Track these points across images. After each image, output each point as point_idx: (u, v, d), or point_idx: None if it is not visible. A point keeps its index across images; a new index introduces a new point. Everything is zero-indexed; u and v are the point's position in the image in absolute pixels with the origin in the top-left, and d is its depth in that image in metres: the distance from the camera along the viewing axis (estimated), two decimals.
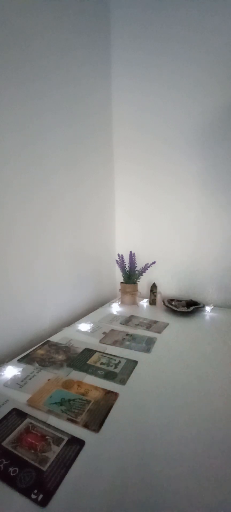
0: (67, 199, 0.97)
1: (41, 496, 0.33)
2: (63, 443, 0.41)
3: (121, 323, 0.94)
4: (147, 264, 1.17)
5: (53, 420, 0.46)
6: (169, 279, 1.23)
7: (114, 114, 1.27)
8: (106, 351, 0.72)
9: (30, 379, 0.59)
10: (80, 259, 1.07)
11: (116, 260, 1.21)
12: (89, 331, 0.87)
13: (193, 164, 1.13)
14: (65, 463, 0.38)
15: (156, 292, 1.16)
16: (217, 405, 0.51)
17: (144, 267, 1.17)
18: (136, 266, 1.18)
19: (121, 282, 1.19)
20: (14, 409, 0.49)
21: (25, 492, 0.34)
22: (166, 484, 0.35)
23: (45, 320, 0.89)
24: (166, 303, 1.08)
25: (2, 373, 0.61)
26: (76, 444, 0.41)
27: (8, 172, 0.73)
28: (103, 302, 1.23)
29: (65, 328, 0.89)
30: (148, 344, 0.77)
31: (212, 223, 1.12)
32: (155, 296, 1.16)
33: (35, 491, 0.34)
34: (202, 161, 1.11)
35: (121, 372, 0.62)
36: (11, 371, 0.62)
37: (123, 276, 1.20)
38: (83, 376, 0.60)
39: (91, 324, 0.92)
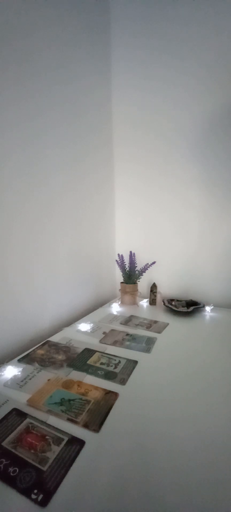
0: (67, 198, 0.97)
1: (41, 496, 0.33)
2: (63, 443, 0.41)
3: (121, 323, 0.94)
4: (147, 264, 1.17)
5: (53, 420, 0.46)
6: (169, 279, 1.23)
7: (115, 113, 1.27)
8: (106, 351, 0.72)
9: (30, 379, 0.59)
10: (80, 259, 1.07)
11: (116, 260, 1.21)
12: (89, 331, 0.87)
13: (194, 164, 1.12)
14: (65, 463, 0.38)
15: (156, 292, 1.16)
16: (218, 404, 0.51)
17: (144, 267, 1.17)
18: (136, 266, 1.18)
19: (121, 282, 1.19)
20: (14, 409, 0.49)
21: (25, 492, 0.34)
22: (166, 484, 0.35)
23: (45, 320, 0.89)
24: (166, 303, 1.08)
25: (2, 373, 0.61)
26: (76, 444, 0.41)
27: (8, 171, 0.73)
28: (103, 302, 1.23)
29: (65, 328, 0.89)
30: (148, 344, 0.77)
31: (212, 223, 1.12)
32: (155, 296, 1.16)
33: (35, 491, 0.34)
34: (203, 161, 1.11)
35: (121, 372, 0.62)
36: (11, 371, 0.62)
37: (123, 276, 1.20)
38: (83, 376, 0.60)
39: (91, 324, 0.92)
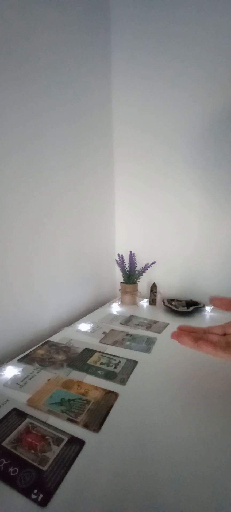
0: (67, 198, 0.97)
1: (41, 496, 0.33)
2: (63, 443, 0.41)
3: (121, 323, 0.94)
4: (147, 264, 1.17)
5: (53, 420, 0.46)
6: (169, 279, 1.23)
7: (115, 113, 1.27)
8: (106, 351, 0.72)
9: (30, 379, 0.59)
10: (80, 259, 1.07)
11: (116, 260, 1.21)
12: (89, 331, 0.87)
13: (194, 164, 1.12)
14: (65, 463, 0.38)
15: (156, 292, 1.16)
16: (218, 405, 0.51)
17: (144, 267, 1.17)
18: (136, 266, 1.18)
19: (121, 282, 1.19)
20: (14, 409, 0.49)
21: (25, 492, 0.34)
22: (167, 485, 0.35)
23: (45, 320, 0.89)
24: (166, 303, 1.08)
25: (2, 373, 0.61)
26: (76, 444, 0.41)
27: (7, 171, 0.73)
28: (103, 302, 1.23)
29: (65, 328, 0.89)
30: (148, 344, 0.77)
31: (212, 224, 1.12)
32: (155, 296, 1.16)
33: (35, 491, 0.34)
34: (203, 161, 1.11)
35: (121, 372, 0.62)
36: (11, 371, 0.62)
37: (123, 276, 1.20)
38: (83, 376, 0.60)
39: (91, 324, 0.92)
